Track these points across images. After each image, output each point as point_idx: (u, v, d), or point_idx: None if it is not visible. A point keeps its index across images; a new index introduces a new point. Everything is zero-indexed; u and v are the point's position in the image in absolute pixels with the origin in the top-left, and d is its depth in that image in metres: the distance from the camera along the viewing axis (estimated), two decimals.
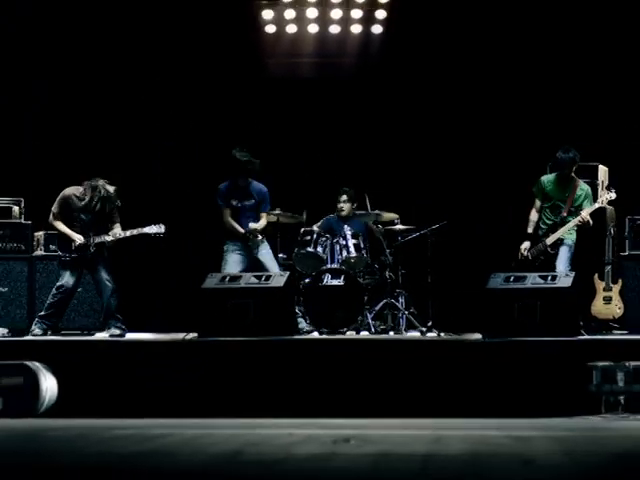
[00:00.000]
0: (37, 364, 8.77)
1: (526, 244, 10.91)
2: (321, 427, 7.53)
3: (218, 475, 5.37)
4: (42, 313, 10.89)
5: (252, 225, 11.31)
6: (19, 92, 13.51)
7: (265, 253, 11.30)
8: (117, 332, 10.74)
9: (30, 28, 13.42)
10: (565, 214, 10.88)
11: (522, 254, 10.97)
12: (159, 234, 11.08)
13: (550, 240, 10.85)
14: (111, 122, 13.53)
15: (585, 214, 10.75)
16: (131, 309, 11.93)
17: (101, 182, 10.97)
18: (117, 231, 10.97)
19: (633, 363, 8.38)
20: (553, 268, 10.76)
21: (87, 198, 10.92)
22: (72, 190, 11.01)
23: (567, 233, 10.88)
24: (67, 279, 10.90)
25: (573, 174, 10.91)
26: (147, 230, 11.00)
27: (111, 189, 10.98)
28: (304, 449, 6.17)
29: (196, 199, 13.20)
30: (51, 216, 11.01)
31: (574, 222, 10.77)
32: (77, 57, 13.54)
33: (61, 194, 11.03)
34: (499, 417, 8.34)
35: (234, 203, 11.30)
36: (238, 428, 7.62)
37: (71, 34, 13.48)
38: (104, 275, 10.98)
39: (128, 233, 10.99)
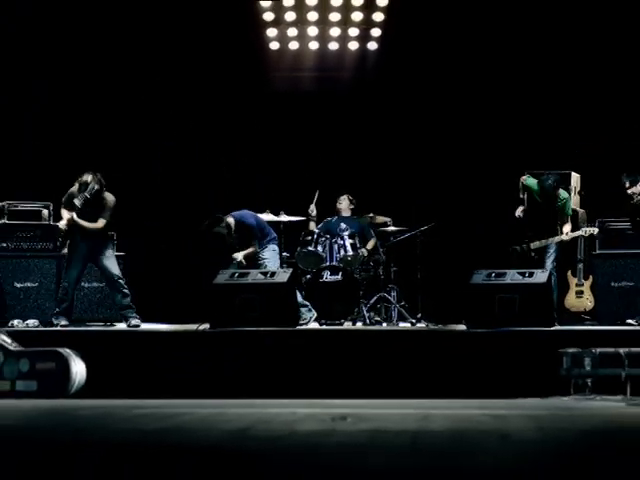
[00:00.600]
0: (68, 350, 8.86)
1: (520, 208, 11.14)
2: (321, 406, 7.56)
3: (230, 449, 5.45)
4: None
5: (237, 255, 11.19)
6: (19, 92, 13.17)
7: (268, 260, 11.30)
8: (136, 323, 10.75)
9: (30, 28, 13.02)
10: (548, 222, 11.06)
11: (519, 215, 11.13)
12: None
13: (535, 245, 11.00)
14: (117, 128, 13.29)
15: (567, 237, 10.93)
16: (147, 302, 11.87)
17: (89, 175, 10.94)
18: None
19: (599, 349, 8.48)
20: (542, 264, 10.87)
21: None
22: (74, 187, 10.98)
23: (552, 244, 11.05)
24: (71, 272, 10.91)
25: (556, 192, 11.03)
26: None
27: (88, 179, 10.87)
28: (306, 426, 6.28)
29: (199, 199, 13.13)
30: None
31: (558, 239, 10.95)
32: (79, 58, 13.30)
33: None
34: (480, 398, 8.35)
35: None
36: (247, 407, 7.63)
37: (72, 34, 13.20)
38: (113, 267, 10.92)
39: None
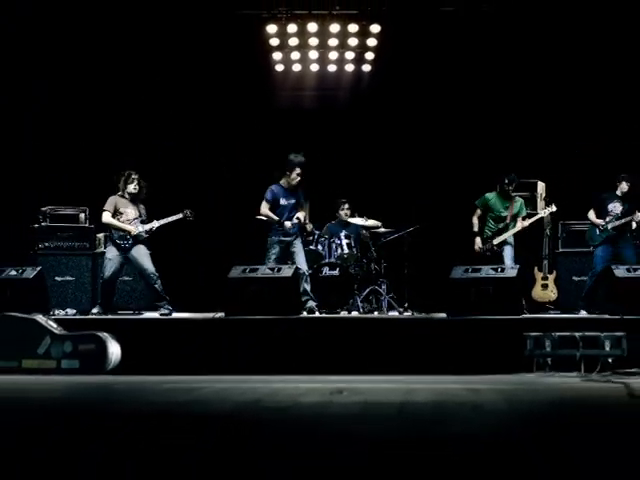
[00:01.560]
0: (105, 334, 9.10)
1: (478, 239, 11.01)
2: (321, 382, 7.70)
3: (243, 417, 5.66)
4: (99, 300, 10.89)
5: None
6: (19, 92, 12.70)
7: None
8: (166, 312, 10.69)
9: (30, 28, 12.48)
10: (508, 222, 11.01)
11: (480, 247, 11.02)
12: (189, 217, 10.83)
13: (497, 241, 10.98)
14: (140, 137, 13.07)
15: (526, 223, 10.91)
16: (169, 294, 11.58)
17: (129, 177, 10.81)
18: (154, 222, 10.81)
19: (558, 333, 8.66)
20: (501, 262, 10.79)
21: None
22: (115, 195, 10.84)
23: (510, 237, 11.01)
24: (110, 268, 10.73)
25: (511, 192, 11.02)
26: (176, 217, 10.82)
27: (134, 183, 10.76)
28: (308, 398, 6.52)
29: (211, 204, 13.00)
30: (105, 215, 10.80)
31: (517, 228, 10.95)
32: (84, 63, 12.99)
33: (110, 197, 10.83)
34: (457, 374, 8.53)
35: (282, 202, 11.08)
36: (258, 382, 7.79)
37: (78, 39, 12.82)
38: (148, 264, 10.77)
39: (157, 224, 10.80)
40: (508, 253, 11.01)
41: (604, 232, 10.89)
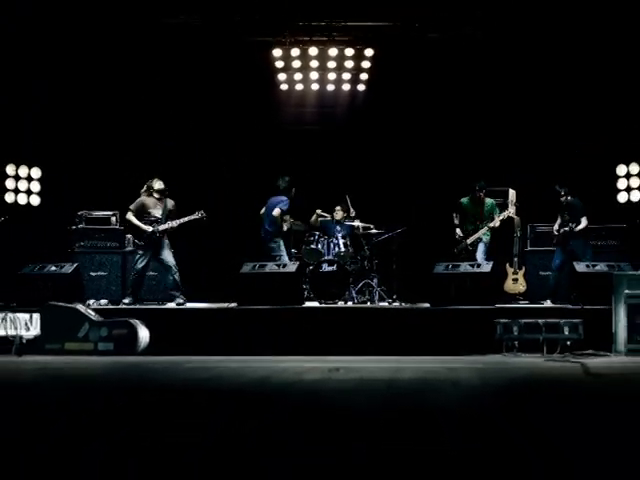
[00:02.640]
0: (136, 320, 9.22)
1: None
2: (320, 362, 7.74)
3: (255, 392, 5.75)
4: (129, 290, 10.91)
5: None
6: (20, 92, 12.16)
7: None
8: (181, 301, 10.66)
9: (31, 28, 11.83)
10: (479, 222, 11.06)
11: (455, 249, 11.08)
12: (203, 217, 10.74)
13: (470, 240, 11.02)
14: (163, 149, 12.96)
15: (496, 221, 10.91)
16: (188, 286, 11.56)
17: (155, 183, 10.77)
18: (169, 222, 10.71)
19: (524, 320, 8.83)
20: (475, 259, 10.87)
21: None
22: (143, 196, 10.80)
23: (484, 235, 11.01)
24: (140, 263, 10.75)
25: (482, 196, 11.04)
26: (191, 217, 10.75)
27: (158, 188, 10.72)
28: (309, 376, 6.65)
29: (221, 209, 12.87)
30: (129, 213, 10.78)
31: (488, 226, 10.95)
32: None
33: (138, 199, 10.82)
34: (438, 355, 8.64)
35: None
36: (266, 362, 7.85)
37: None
38: (169, 258, 10.75)
39: (174, 223, 10.71)
40: (481, 249, 11.03)
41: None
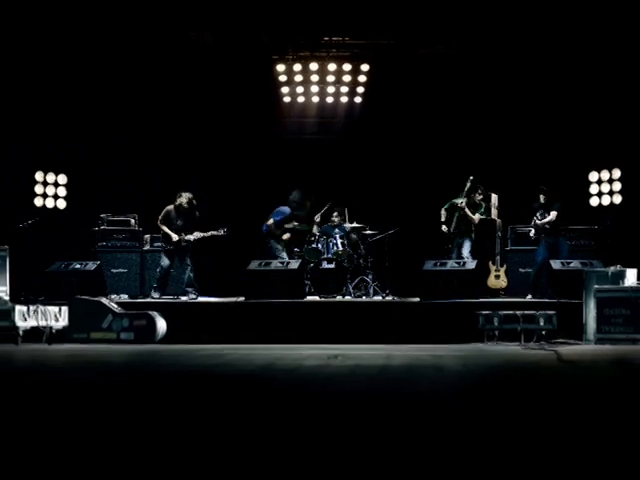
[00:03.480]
0: (154, 312, 9.37)
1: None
2: (320, 349, 7.83)
3: (260, 376, 5.75)
4: (155, 285, 10.99)
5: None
6: (48, 106, 12.05)
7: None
8: (194, 297, 10.87)
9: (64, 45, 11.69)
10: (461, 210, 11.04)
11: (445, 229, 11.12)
12: (225, 234, 10.98)
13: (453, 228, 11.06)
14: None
15: (476, 219, 11.05)
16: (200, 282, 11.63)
17: (182, 196, 10.86)
18: (197, 233, 10.91)
19: (503, 312, 8.97)
20: (460, 254, 10.96)
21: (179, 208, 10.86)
22: (171, 206, 10.96)
23: (470, 232, 11.11)
24: (164, 261, 10.96)
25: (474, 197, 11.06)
26: (215, 232, 10.96)
27: (184, 201, 10.79)
28: (309, 362, 6.58)
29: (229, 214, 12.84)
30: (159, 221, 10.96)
31: (477, 218, 11.05)
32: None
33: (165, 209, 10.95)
34: (425, 344, 8.73)
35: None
36: (270, 350, 7.93)
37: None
38: (187, 259, 10.95)
39: (200, 235, 10.89)
40: (467, 246, 11.04)
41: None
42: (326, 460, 2.95)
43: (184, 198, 10.94)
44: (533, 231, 10.92)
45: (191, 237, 10.97)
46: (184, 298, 10.96)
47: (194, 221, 11.02)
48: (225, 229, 10.99)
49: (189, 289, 10.96)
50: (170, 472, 2.80)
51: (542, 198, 10.89)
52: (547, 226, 10.77)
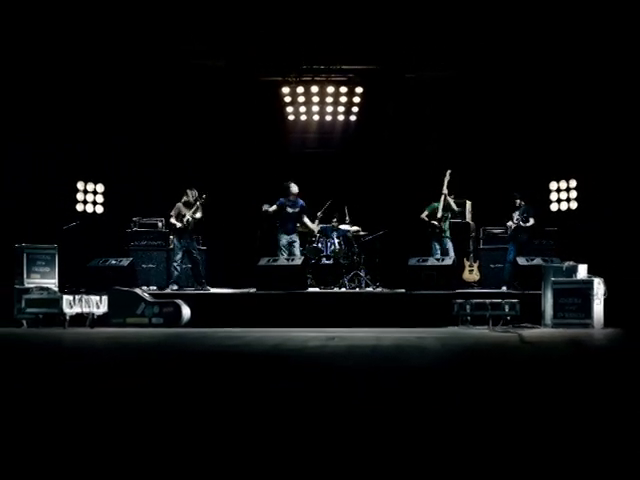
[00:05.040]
0: (180, 301, 9.47)
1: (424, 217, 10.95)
2: (320, 332, 7.89)
3: (272, 354, 5.85)
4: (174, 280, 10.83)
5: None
6: (84, 124, 11.81)
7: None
8: (201, 288, 10.66)
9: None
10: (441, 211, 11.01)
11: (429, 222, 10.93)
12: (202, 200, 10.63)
13: (439, 214, 10.93)
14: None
15: (455, 208, 10.98)
16: (216, 275, 11.86)
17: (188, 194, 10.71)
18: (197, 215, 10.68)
19: (475, 300, 9.13)
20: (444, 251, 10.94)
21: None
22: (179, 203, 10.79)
23: (449, 233, 11.09)
24: (179, 256, 10.80)
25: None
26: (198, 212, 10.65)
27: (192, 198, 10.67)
28: (312, 343, 6.68)
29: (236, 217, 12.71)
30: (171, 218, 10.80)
31: (448, 201, 10.95)
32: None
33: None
34: (410, 327, 8.76)
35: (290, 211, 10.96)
36: (279, 333, 7.96)
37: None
38: (195, 252, 10.84)
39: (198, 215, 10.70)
40: (449, 246, 11.04)
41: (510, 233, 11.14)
42: (335, 424, 2.99)
43: (190, 194, 10.79)
44: (512, 227, 10.95)
45: (197, 215, 10.75)
46: (202, 291, 10.85)
47: (198, 214, 10.86)
48: (202, 196, 10.65)
49: (200, 281, 10.85)
50: (199, 437, 2.79)
51: (518, 202, 11.01)
52: (524, 228, 10.93)
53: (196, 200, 10.84)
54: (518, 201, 10.99)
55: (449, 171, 11.11)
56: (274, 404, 3.40)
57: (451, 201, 11.10)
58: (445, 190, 11.00)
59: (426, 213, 11.13)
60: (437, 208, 11.05)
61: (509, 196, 11.06)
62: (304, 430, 2.88)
